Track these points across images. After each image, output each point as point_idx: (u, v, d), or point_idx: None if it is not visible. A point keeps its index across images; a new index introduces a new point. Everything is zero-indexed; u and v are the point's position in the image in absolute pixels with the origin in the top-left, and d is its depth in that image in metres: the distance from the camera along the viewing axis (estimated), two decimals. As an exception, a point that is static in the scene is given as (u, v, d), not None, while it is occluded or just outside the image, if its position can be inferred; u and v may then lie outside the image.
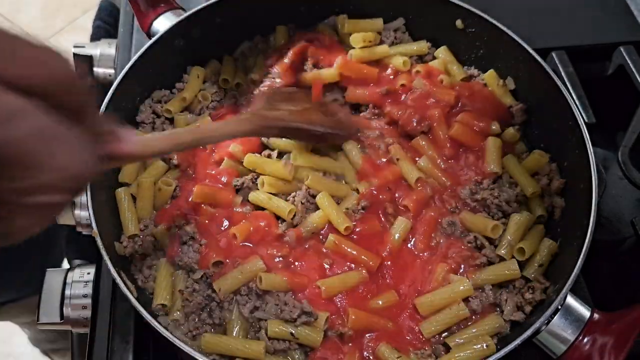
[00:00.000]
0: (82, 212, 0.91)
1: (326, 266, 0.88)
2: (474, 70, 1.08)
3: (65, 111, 0.51)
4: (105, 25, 1.29)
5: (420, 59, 1.11)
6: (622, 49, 1.11)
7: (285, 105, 0.92)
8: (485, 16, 1.02)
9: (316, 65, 1.05)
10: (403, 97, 1.02)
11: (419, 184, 0.94)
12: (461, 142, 0.99)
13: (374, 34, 1.07)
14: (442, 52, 1.09)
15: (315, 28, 1.11)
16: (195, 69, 1.06)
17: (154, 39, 0.99)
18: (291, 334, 0.80)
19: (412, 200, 0.93)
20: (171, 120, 1.03)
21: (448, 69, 1.07)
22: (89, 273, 0.91)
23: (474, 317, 0.85)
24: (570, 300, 0.80)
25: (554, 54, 1.10)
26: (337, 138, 0.99)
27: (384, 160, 0.98)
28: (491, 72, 1.05)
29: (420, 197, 0.93)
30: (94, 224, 0.81)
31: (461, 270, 0.89)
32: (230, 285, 0.84)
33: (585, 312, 0.80)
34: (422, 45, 1.09)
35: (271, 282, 0.83)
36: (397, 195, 0.95)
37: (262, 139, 0.99)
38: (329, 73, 1.04)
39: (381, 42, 1.09)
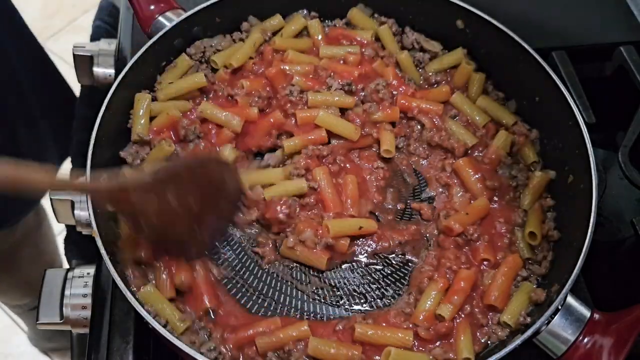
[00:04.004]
0: (82, 212, 0.91)
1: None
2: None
3: None
4: (105, 25, 1.29)
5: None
6: (622, 49, 1.11)
7: (169, 190, 0.79)
8: (485, 16, 1.02)
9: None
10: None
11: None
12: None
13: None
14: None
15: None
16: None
17: (154, 39, 0.99)
18: None
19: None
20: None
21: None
22: (88, 273, 0.91)
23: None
24: (571, 301, 0.80)
25: (554, 54, 1.10)
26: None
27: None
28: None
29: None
30: (94, 224, 0.81)
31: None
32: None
33: (585, 312, 0.80)
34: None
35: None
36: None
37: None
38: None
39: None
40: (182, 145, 0.98)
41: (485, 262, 0.91)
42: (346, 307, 0.89)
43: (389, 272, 0.92)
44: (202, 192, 0.83)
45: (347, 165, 0.99)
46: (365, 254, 0.93)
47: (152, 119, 0.98)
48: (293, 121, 0.99)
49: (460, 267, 0.89)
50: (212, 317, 0.86)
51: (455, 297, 0.85)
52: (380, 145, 1.00)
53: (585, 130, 0.90)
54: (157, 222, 0.80)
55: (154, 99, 1.00)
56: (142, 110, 0.97)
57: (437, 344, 0.83)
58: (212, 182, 0.85)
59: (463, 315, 0.86)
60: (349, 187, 0.95)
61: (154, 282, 0.85)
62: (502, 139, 1.00)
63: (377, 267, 0.92)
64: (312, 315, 0.88)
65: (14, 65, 1.30)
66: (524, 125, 1.02)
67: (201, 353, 0.80)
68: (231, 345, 0.83)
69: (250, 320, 0.86)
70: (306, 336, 0.82)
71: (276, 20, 1.10)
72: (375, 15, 1.13)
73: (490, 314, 0.86)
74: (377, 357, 0.82)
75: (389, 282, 0.91)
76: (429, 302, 0.86)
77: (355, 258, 0.93)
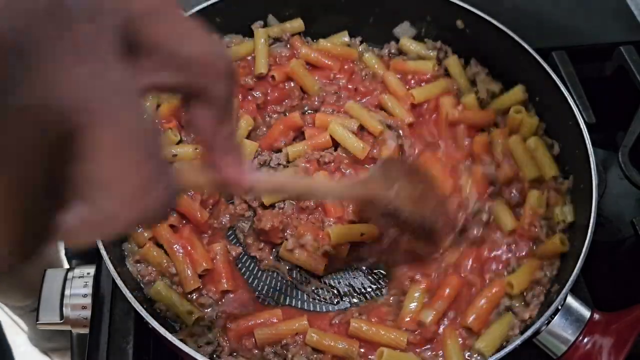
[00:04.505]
0: (82, 212, 0.91)
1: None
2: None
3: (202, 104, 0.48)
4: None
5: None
6: (622, 49, 1.11)
7: (403, 183, 0.78)
8: (485, 16, 1.02)
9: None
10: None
11: None
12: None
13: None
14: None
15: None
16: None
17: (153, 39, 0.99)
18: None
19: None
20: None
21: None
22: (88, 273, 0.90)
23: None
24: (571, 301, 0.80)
25: (554, 54, 1.10)
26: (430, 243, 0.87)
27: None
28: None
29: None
30: (94, 224, 0.81)
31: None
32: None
33: (585, 312, 0.80)
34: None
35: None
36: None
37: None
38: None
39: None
40: (187, 131, 0.99)
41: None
42: (346, 305, 0.89)
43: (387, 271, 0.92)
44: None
45: (351, 171, 0.98)
46: (366, 257, 0.93)
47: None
48: (310, 120, 1.01)
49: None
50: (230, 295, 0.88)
51: (439, 303, 0.84)
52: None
53: (585, 130, 0.90)
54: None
55: None
56: (149, 100, 0.98)
57: (427, 346, 0.82)
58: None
59: (447, 322, 0.84)
60: None
61: (176, 278, 0.87)
62: (533, 201, 0.92)
63: (378, 267, 0.92)
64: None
65: None
66: (560, 178, 0.95)
67: (200, 346, 0.81)
68: (231, 337, 0.83)
69: (253, 309, 0.87)
70: (305, 330, 0.82)
71: (297, 23, 1.10)
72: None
73: (467, 335, 0.84)
74: (372, 357, 0.82)
75: (388, 282, 0.91)
76: (412, 305, 0.85)
77: (355, 262, 0.92)
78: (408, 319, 0.84)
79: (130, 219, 0.39)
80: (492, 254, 0.90)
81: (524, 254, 0.89)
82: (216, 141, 0.51)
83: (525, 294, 0.86)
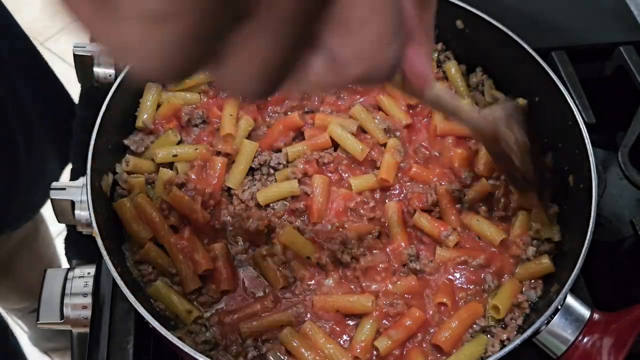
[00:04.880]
0: (82, 212, 0.91)
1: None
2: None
3: None
4: (106, 25, 1.28)
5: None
6: (622, 49, 1.11)
7: (517, 130, 0.81)
8: (485, 16, 1.02)
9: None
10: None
11: None
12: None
13: None
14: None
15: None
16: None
17: (154, 38, 0.99)
18: None
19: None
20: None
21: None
22: (89, 273, 0.90)
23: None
24: (570, 300, 0.80)
25: (554, 54, 1.10)
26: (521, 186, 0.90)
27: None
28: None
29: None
30: (94, 224, 0.81)
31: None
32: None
33: (585, 312, 0.80)
34: None
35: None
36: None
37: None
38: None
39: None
40: (187, 131, 0.99)
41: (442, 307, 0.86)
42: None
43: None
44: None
45: (348, 174, 0.97)
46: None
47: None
48: (310, 120, 1.00)
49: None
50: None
51: (396, 332, 0.81)
52: (379, 172, 0.95)
53: (585, 130, 0.90)
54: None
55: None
56: (150, 98, 0.98)
57: None
58: None
59: (410, 346, 0.83)
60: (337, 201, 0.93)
61: (176, 278, 0.87)
62: (522, 221, 0.92)
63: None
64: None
65: (12, 75, 1.30)
66: (547, 204, 0.95)
67: (198, 344, 0.81)
68: (227, 332, 0.83)
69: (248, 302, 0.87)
70: (288, 322, 0.83)
71: None
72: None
73: (438, 354, 0.83)
74: None
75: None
76: (365, 331, 0.82)
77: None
78: (360, 347, 0.80)
79: (360, 71, 0.41)
80: (463, 274, 0.88)
81: (504, 274, 0.89)
82: (414, 27, 0.51)
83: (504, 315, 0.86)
